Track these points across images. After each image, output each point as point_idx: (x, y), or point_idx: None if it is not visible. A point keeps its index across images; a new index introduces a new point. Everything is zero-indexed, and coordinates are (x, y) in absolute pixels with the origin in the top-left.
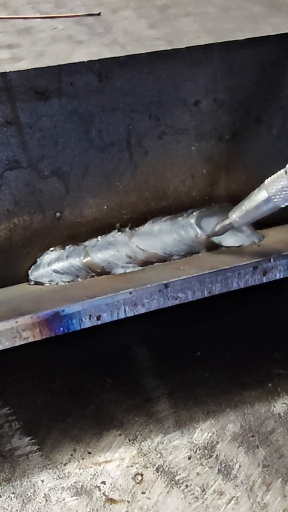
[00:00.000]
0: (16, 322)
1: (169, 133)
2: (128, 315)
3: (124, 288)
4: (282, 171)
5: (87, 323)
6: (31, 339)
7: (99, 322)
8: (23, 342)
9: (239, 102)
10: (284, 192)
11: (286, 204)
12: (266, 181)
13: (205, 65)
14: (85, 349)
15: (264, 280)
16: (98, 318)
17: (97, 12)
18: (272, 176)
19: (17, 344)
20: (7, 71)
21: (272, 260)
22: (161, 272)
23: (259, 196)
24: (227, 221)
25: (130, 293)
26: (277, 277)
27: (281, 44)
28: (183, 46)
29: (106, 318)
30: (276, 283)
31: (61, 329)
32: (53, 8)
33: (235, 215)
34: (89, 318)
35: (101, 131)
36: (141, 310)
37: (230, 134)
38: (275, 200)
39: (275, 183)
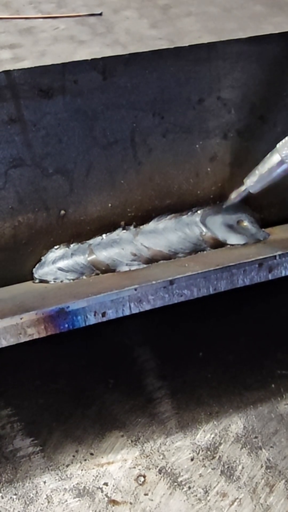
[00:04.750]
0: (21, 319)
1: (173, 131)
2: (134, 311)
3: (129, 285)
4: None
5: (92, 320)
6: (36, 336)
7: (104, 319)
8: (28, 339)
9: (243, 100)
10: None
11: None
12: (278, 145)
13: (208, 64)
14: (87, 350)
15: (270, 277)
16: (103, 314)
17: (99, 12)
18: (284, 139)
19: (22, 340)
20: (11, 69)
21: (277, 257)
22: (166, 269)
23: (272, 159)
24: (242, 188)
25: (135, 290)
26: (283, 274)
27: (284, 43)
28: (186, 44)
29: (111, 314)
30: (278, 284)
31: (66, 325)
32: (54, 8)
33: (249, 180)
34: (94, 315)
35: (105, 128)
36: (146, 306)
37: (234, 132)
38: None
39: (287, 145)
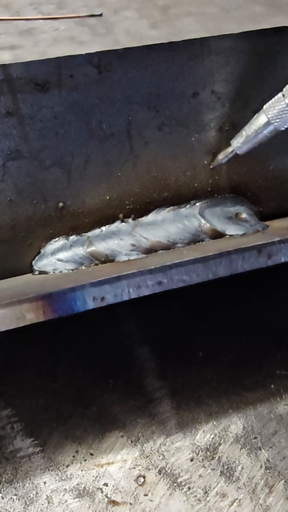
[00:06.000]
0: (19, 303)
1: (169, 124)
2: (133, 296)
3: (128, 271)
4: (280, 94)
5: (91, 304)
6: (34, 320)
7: (103, 304)
8: (27, 323)
9: (237, 93)
10: (283, 115)
11: (285, 127)
12: (264, 106)
13: (201, 58)
14: (87, 350)
15: (269, 263)
16: (102, 299)
17: (99, 13)
18: (271, 100)
19: (21, 325)
20: (8, 63)
21: (276, 243)
22: (165, 257)
23: (258, 120)
24: (229, 149)
25: (134, 275)
26: (282, 261)
27: (276, 38)
28: (180, 39)
29: (110, 299)
30: (278, 284)
31: (65, 310)
32: (55, 9)
33: (236, 141)
34: (93, 299)
35: (101, 122)
36: (145, 292)
37: (229, 125)
38: (275, 123)
39: (273, 106)
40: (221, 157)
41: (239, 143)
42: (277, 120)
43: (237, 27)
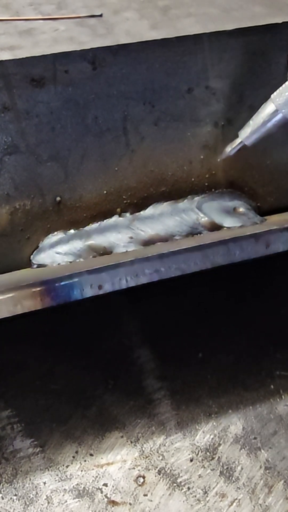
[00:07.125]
0: (16, 290)
1: (165, 120)
2: (130, 285)
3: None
4: None
5: (88, 292)
6: (32, 308)
7: (101, 292)
8: (26, 311)
9: (232, 90)
10: None
11: None
12: (272, 95)
13: (195, 54)
14: (87, 351)
15: (267, 252)
16: (100, 287)
17: (99, 14)
18: (279, 89)
19: (18, 312)
20: (4, 59)
21: (274, 231)
22: (162, 247)
23: (266, 109)
24: (237, 140)
25: (131, 262)
26: (280, 250)
27: (269, 34)
28: (173, 36)
29: (108, 287)
30: (277, 284)
31: (62, 298)
32: (54, 10)
33: (243, 132)
34: (91, 287)
35: (97, 117)
36: (143, 280)
37: (225, 120)
38: (283, 111)
39: (282, 94)
40: (229, 149)
41: (247, 133)
42: (286, 108)
43: (237, 28)
